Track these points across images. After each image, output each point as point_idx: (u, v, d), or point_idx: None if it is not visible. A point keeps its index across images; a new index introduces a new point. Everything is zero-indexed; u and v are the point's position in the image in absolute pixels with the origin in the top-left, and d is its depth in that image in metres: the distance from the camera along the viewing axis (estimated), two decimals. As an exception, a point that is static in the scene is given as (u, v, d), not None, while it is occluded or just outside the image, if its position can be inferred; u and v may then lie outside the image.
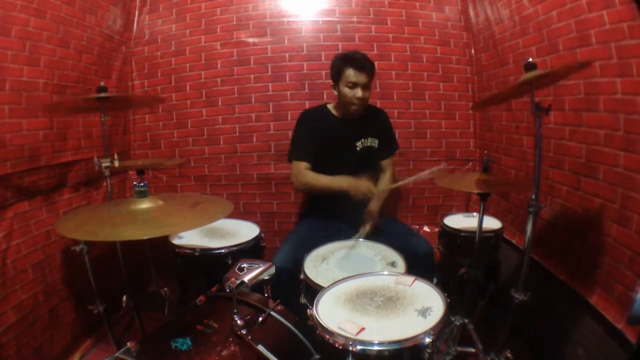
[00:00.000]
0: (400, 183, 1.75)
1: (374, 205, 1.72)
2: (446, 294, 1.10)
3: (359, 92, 1.69)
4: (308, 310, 1.08)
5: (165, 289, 1.80)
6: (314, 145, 1.80)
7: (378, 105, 2.22)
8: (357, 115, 1.80)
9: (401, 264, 1.40)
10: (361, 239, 1.61)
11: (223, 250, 1.57)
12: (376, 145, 1.87)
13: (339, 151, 1.81)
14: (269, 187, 2.40)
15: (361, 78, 1.68)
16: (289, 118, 2.31)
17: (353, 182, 1.61)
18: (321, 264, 1.43)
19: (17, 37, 1.57)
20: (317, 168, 1.79)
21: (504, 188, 1.76)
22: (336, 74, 1.74)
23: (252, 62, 2.34)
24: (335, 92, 1.79)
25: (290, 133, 1.90)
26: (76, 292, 1.83)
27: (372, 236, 1.64)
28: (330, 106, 1.88)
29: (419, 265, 1.34)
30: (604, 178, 1.39)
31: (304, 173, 1.77)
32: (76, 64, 1.89)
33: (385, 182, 1.90)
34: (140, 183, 1.08)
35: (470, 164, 2.42)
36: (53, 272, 1.73)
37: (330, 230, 1.73)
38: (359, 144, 1.83)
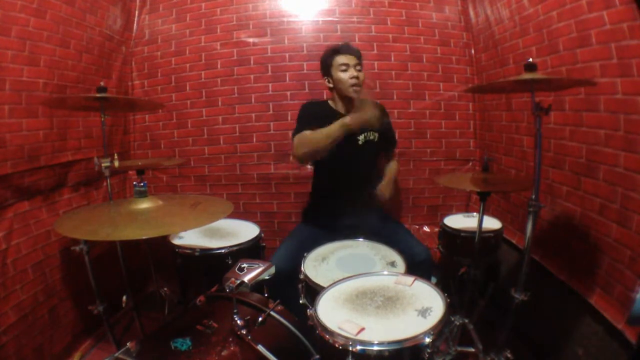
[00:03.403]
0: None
1: (384, 187, 1.74)
2: (446, 294, 1.10)
3: (353, 72, 1.73)
4: (308, 310, 1.08)
5: (165, 289, 1.80)
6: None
7: (378, 105, 2.23)
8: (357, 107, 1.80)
9: (401, 263, 1.40)
10: (360, 239, 1.61)
11: (223, 250, 1.57)
12: (376, 139, 1.87)
13: (341, 145, 1.80)
14: (269, 187, 2.40)
15: (351, 59, 1.74)
16: (289, 118, 2.31)
17: (352, 116, 1.53)
18: (321, 263, 1.43)
19: (17, 37, 1.57)
20: (320, 163, 1.79)
21: (504, 186, 1.76)
22: (326, 66, 1.78)
23: (252, 62, 2.34)
24: (331, 85, 1.79)
25: (290, 133, 1.89)
26: (76, 292, 1.83)
27: (371, 237, 1.64)
28: (331, 102, 1.88)
29: (416, 272, 1.34)
30: (604, 178, 1.39)
31: (301, 135, 1.65)
32: (76, 64, 1.89)
33: (392, 169, 1.92)
34: (140, 183, 1.09)
35: (470, 164, 2.42)
36: (53, 272, 1.73)
37: (330, 230, 1.73)
38: (360, 137, 1.82)
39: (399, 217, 2.41)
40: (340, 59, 1.74)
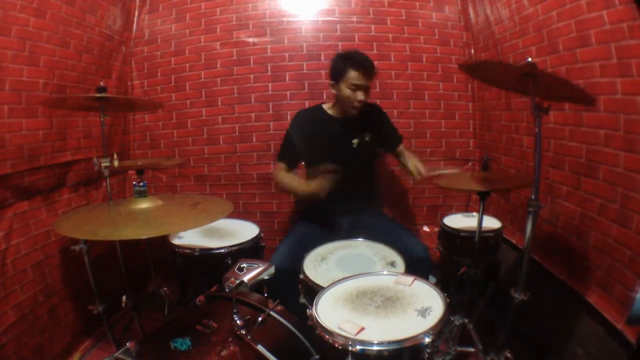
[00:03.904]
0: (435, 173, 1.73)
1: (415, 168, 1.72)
2: (446, 294, 1.10)
3: (360, 95, 1.67)
4: (308, 310, 1.08)
5: (165, 289, 1.80)
6: (310, 146, 1.79)
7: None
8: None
9: (400, 263, 1.40)
10: (360, 239, 1.61)
11: (223, 250, 1.56)
12: (370, 139, 1.86)
13: (336, 149, 1.81)
14: (268, 187, 2.40)
15: (365, 81, 1.67)
16: (289, 118, 2.29)
17: (315, 185, 1.59)
18: (321, 263, 1.43)
19: (17, 37, 1.57)
20: (315, 165, 1.74)
21: (504, 183, 1.76)
22: (338, 74, 1.70)
23: (251, 62, 2.34)
24: (334, 91, 1.76)
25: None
26: (76, 292, 1.83)
27: (371, 237, 1.63)
28: (325, 106, 1.87)
29: (414, 270, 1.34)
30: (604, 178, 1.39)
31: (277, 173, 1.84)
32: (76, 64, 1.89)
33: (407, 153, 1.91)
34: (140, 183, 1.09)
35: (470, 163, 2.42)
36: (53, 272, 1.73)
37: (329, 230, 1.73)
38: (355, 141, 1.82)
39: (398, 217, 2.41)
40: (354, 77, 1.65)
